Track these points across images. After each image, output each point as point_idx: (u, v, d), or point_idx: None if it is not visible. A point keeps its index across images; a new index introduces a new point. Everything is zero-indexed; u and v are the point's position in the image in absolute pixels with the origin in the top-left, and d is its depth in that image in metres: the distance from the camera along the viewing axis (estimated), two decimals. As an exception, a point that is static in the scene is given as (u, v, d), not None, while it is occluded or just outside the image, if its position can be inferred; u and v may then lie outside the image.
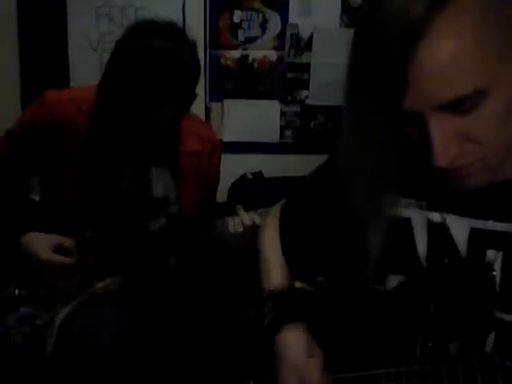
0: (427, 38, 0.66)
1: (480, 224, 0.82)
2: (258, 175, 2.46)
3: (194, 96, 1.43)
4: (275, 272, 1.03)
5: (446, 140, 0.71)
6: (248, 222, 1.47)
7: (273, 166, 2.47)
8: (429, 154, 0.72)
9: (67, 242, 1.46)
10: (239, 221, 1.48)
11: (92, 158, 1.47)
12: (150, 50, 1.30)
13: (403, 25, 0.66)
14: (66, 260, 1.44)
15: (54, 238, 1.45)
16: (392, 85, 0.69)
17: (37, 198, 1.64)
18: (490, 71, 0.68)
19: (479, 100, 0.69)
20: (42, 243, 1.44)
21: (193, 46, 1.39)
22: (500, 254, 0.81)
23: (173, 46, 1.32)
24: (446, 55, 0.66)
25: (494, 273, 0.81)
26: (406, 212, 0.87)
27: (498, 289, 0.81)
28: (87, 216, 1.49)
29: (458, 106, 0.69)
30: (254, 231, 1.48)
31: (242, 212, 1.50)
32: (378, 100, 0.71)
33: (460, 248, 0.83)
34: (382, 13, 0.68)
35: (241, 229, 1.48)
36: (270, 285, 1.00)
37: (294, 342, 0.91)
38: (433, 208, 0.85)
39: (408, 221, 0.87)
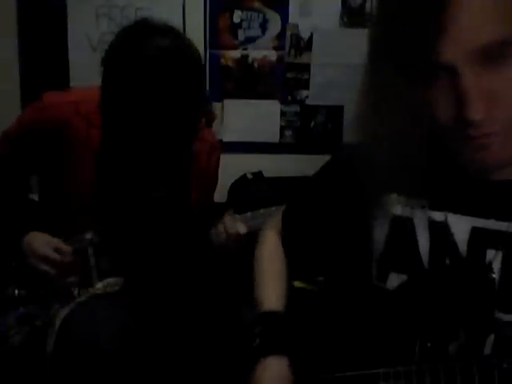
0: None
1: (481, 223, 0.82)
2: (258, 175, 2.46)
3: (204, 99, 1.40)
4: (269, 292, 1.01)
5: (480, 93, 0.69)
6: (232, 230, 1.46)
7: (273, 166, 2.47)
8: (459, 112, 0.70)
9: (67, 247, 1.45)
10: (222, 230, 1.47)
11: (106, 162, 1.46)
12: (150, 53, 1.26)
13: None
14: (60, 258, 1.44)
15: (56, 241, 1.46)
16: (425, 31, 0.67)
17: (36, 197, 1.64)
18: None
19: (508, 52, 0.68)
20: (42, 241, 1.44)
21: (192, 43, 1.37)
22: (500, 254, 0.81)
23: (176, 44, 1.29)
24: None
25: (494, 273, 0.81)
26: (408, 211, 0.87)
27: (497, 289, 0.81)
28: (91, 217, 1.48)
29: (490, 54, 0.68)
30: (239, 240, 1.48)
31: (227, 219, 1.49)
32: (407, 54, 0.69)
33: (460, 247, 0.83)
34: None
35: (223, 237, 1.47)
36: (262, 305, 0.99)
37: (270, 375, 0.90)
38: (434, 207, 0.85)
39: (410, 220, 0.87)
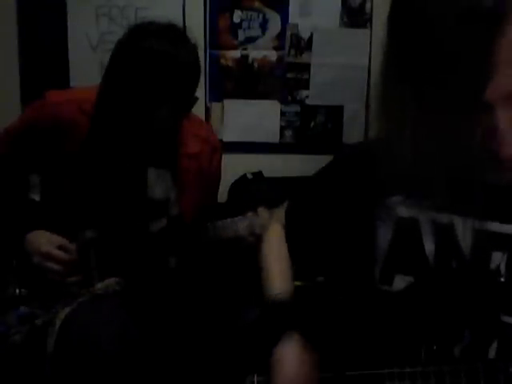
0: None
1: (485, 226, 0.82)
2: (258, 175, 2.46)
3: (194, 99, 1.42)
4: (277, 281, 1.02)
5: None
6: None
7: (273, 165, 2.47)
8: (495, 144, 0.72)
9: (70, 245, 1.46)
10: (260, 223, 1.45)
11: (91, 159, 1.47)
12: (147, 51, 1.30)
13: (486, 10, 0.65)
14: (65, 256, 1.44)
15: (59, 238, 1.46)
16: (475, 72, 0.67)
17: (37, 197, 1.64)
18: None
19: None
20: (45, 239, 1.45)
21: (193, 47, 1.39)
22: (505, 257, 0.81)
23: (171, 48, 1.32)
24: None
25: (500, 275, 0.81)
26: (414, 213, 0.87)
27: (502, 292, 0.81)
28: (87, 216, 1.49)
29: None
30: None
31: (262, 212, 1.47)
32: (452, 89, 0.69)
33: (465, 250, 0.83)
34: None
35: (258, 230, 1.45)
36: (271, 293, 0.99)
37: (290, 358, 0.90)
38: (440, 209, 0.85)
39: (416, 221, 0.87)
